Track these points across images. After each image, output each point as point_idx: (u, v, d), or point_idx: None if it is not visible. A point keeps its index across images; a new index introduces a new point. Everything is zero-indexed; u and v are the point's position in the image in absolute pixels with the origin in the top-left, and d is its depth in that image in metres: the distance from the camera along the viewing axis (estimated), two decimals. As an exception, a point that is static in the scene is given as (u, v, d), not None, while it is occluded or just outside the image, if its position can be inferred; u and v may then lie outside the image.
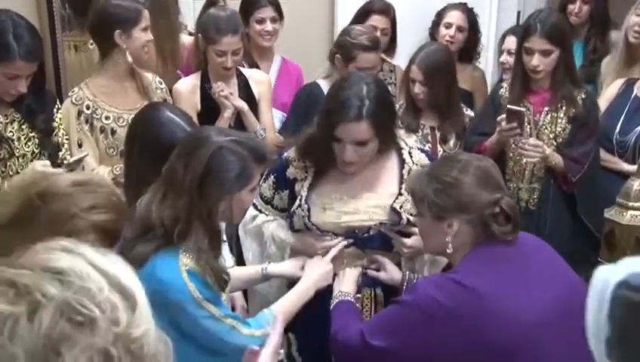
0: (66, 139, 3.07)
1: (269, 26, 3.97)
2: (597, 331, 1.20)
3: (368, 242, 2.60)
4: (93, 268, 0.97)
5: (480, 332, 1.85)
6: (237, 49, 3.47)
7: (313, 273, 2.43)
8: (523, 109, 3.22)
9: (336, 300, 2.37)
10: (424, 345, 1.91)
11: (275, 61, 4.10)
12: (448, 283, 1.93)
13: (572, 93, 3.32)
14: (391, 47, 4.17)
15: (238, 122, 3.57)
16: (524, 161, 3.33)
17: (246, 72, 3.71)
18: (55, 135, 3.01)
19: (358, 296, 2.48)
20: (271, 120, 3.71)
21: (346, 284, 2.45)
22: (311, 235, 2.59)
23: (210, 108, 3.54)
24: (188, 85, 3.60)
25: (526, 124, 3.22)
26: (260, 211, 2.70)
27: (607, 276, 1.20)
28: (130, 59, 3.13)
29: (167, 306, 1.93)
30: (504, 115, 3.25)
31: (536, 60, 3.27)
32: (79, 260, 0.98)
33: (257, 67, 3.89)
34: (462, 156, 2.15)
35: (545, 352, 1.87)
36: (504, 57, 4.05)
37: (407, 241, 2.58)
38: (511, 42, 3.97)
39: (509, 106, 3.24)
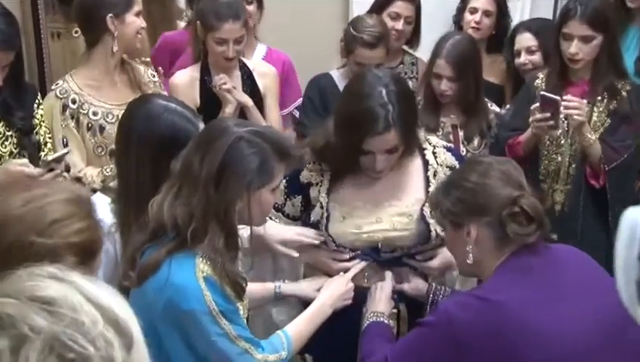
0: (49, 138, 2.91)
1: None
2: (627, 272, 1.21)
3: (391, 263, 2.49)
4: (85, 299, 0.92)
5: (514, 349, 1.79)
6: (239, 37, 3.30)
7: (330, 292, 2.34)
8: (558, 98, 3.01)
9: (368, 322, 2.30)
10: None
11: (257, 50, 3.84)
12: (470, 300, 1.89)
13: (615, 85, 3.13)
14: (414, 38, 3.92)
15: (242, 118, 3.31)
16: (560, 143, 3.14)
17: (250, 63, 3.55)
18: (36, 133, 2.83)
19: (394, 310, 2.41)
20: (278, 117, 3.55)
21: (379, 303, 2.35)
22: (325, 252, 2.49)
23: (210, 104, 3.35)
24: (186, 78, 3.43)
25: (562, 116, 3.03)
26: (270, 218, 2.52)
27: (637, 216, 1.19)
28: (116, 48, 2.95)
29: (180, 319, 1.88)
30: (538, 104, 3.05)
31: (574, 47, 3.07)
32: (70, 289, 0.92)
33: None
34: (483, 159, 2.11)
35: None
36: (524, 57, 3.66)
37: (433, 264, 2.51)
38: (526, 39, 3.65)
39: (542, 93, 3.06)
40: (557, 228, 3.07)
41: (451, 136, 3.28)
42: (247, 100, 3.38)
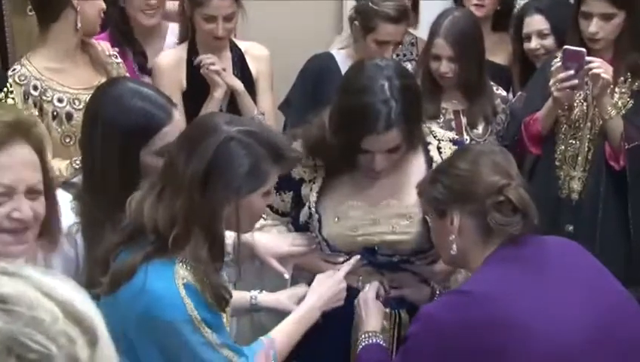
0: None
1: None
2: None
3: (388, 268, 2.38)
4: (42, 294, 0.89)
5: (502, 344, 1.76)
6: (230, 14, 3.15)
7: (320, 293, 2.23)
8: (584, 50, 2.88)
9: (361, 345, 2.22)
10: None
11: (172, 29, 3.51)
12: (453, 297, 1.90)
13: (639, 64, 3.01)
14: (413, 16, 3.70)
15: (232, 105, 3.25)
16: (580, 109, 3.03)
17: (242, 45, 3.38)
18: None
19: (386, 311, 2.33)
20: (271, 103, 3.38)
21: (368, 320, 2.26)
22: (318, 255, 2.39)
23: (197, 87, 3.20)
24: (171, 59, 3.27)
25: (586, 79, 2.89)
26: None
27: None
28: (80, 24, 2.78)
29: (158, 330, 1.82)
30: (558, 62, 2.92)
31: (594, 26, 2.95)
32: (24, 285, 0.89)
33: (142, 51, 3.42)
34: (474, 147, 2.13)
35: None
36: (535, 42, 3.44)
37: (436, 268, 2.40)
38: (537, 22, 3.44)
39: (566, 47, 2.91)
40: (573, 219, 3.06)
41: (453, 123, 3.16)
42: (238, 84, 3.23)
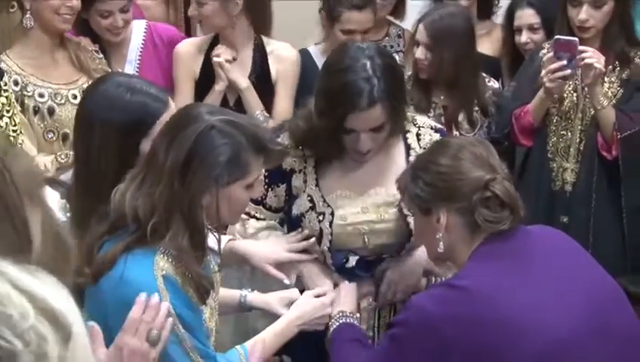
0: (14, 131, 2.63)
1: None
2: None
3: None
4: (15, 290, 0.88)
5: (493, 339, 1.74)
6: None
7: (301, 313, 2.20)
8: (576, 39, 2.87)
9: (337, 324, 2.21)
10: None
11: (134, 32, 3.30)
12: (443, 291, 1.87)
13: (627, 53, 3.01)
14: (399, 7, 3.68)
15: (240, 101, 3.18)
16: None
17: (270, 44, 3.26)
18: None
19: (357, 315, 2.29)
20: (286, 107, 3.19)
21: (345, 302, 2.25)
22: (315, 267, 2.35)
23: (209, 79, 3.17)
24: (191, 48, 3.24)
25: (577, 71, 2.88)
26: (250, 215, 2.41)
27: None
28: (30, 24, 2.77)
29: None
30: (548, 53, 2.90)
31: (584, 13, 2.94)
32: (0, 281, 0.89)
33: (103, 48, 3.22)
34: (453, 140, 2.09)
35: None
36: (526, 36, 3.41)
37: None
38: (527, 16, 3.41)
39: (557, 36, 2.91)
40: (567, 210, 3.04)
41: (442, 118, 3.12)
42: (241, 80, 3.15)
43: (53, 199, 2.02)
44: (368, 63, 2.16)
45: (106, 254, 1.81)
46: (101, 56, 2.98)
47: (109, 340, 1.74)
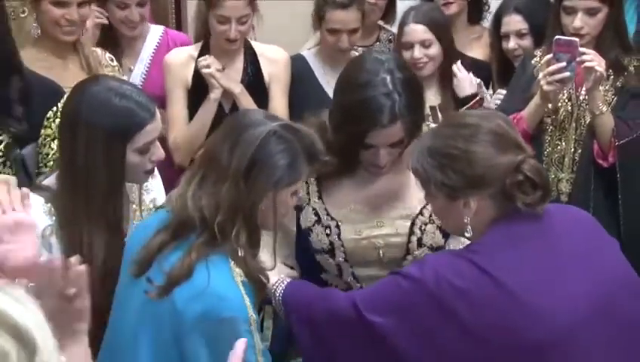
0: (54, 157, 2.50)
1: None
2: None
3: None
4: None
5: (505, 327, 1.74)
6: (244, 16, 3.12)
7: None
8: (577, 39, 2.82)
9: (282, 286, 2.11)
10: (432, 334, 1.79)
11: (151, 33, 3.48)
12: (464, 265, 1.81)
13: (620, 61, 2.98)
14: (389, 12, 3.72)
15: (235, 107, 3.21)
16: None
17: (259, 47, 3.34)
18: (40, 147, 2.47)
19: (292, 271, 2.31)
20: (283, 108, 3.26)
21: (271, 279, 2.11)
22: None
23: (202, 87, 3.20)
24: (181, 57, 3.27)
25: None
26: None
27: None
28: (36, 32, 2.81)
29: (214, 328, 1.80)
30: (547, 56, 2.84)
31: (579, 21, 2.90)
32: None
33: (117, 40, 3.40)
34: (468, 119, 1.96)
35: (582, 349, 1.77)
36: (514, 42, 3.37)
37: None
38: (515, 22, 3.37)
39: (557, 37, 2.84)
40: None
41: (431, 119, 3.08)
42: (234, 86, 3.18)
43: (38, 203, 2.03)
44: (388, 78, 2.13)
45: (181, 264, 1.81)
46: (115, 64, 2.99)
47: (178, 351, 1.79)
